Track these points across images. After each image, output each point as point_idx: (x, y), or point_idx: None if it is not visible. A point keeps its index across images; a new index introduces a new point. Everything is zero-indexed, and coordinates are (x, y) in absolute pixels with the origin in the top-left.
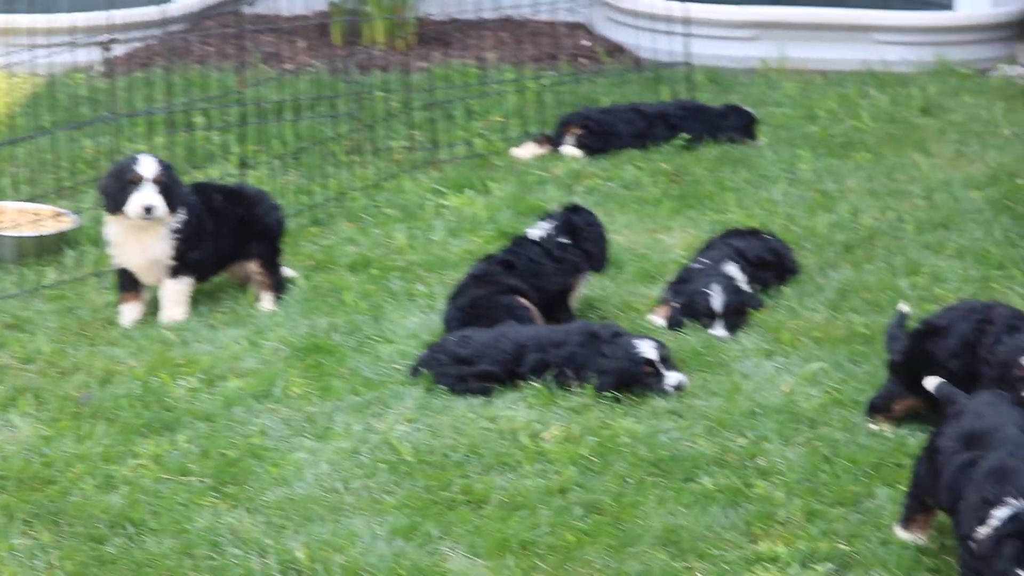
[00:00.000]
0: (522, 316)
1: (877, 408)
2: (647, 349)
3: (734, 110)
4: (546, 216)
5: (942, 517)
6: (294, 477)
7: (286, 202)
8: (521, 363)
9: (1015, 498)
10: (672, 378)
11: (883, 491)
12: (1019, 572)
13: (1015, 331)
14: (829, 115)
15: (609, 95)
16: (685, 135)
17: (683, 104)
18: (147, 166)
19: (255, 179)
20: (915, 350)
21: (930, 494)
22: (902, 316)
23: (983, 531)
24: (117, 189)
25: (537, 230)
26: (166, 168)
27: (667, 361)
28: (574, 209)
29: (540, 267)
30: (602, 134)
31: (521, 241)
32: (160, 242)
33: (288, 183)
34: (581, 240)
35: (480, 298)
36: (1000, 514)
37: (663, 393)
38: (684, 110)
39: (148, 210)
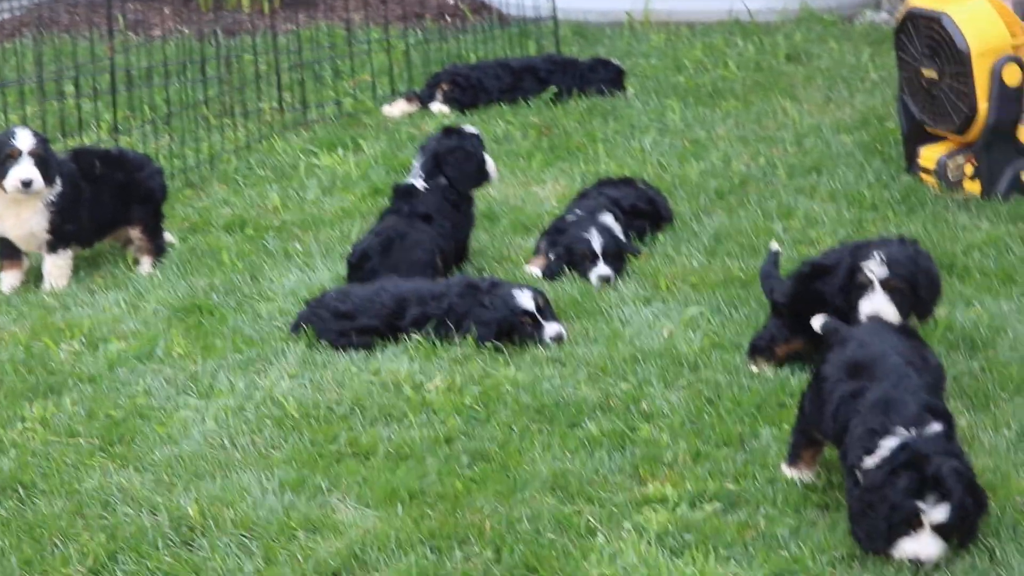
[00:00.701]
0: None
1: (759, 350)
2: (525, 300)
3: (602, 63)
4: (420, 149)
5: (828, 454)
6: (181, 435)
7: None
8: (402, 317)
9: (903, 427)
10: (551, 329)
11: (767, 431)
12: (917, 503)
13: (879, 246)
14: (696, 65)
15: (476, 52)
16: (553, 88)
17: (551, 58)
18: (24, 139)
19: (127, 145)
20: (802, 291)
21: (816, 426)
22: (775, 255)
23: (870, 461)
24: None
25: (414, 175)
26: (42, 141)
27: (545, 311)
28: (445, 133)
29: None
30: (470, 89)
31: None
32: (36, 215)
33: (160, 148)
34: (444, 167)
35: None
36: (888, 444)
37: (542, 343)
38: (552, 64)
39: (26, 184)
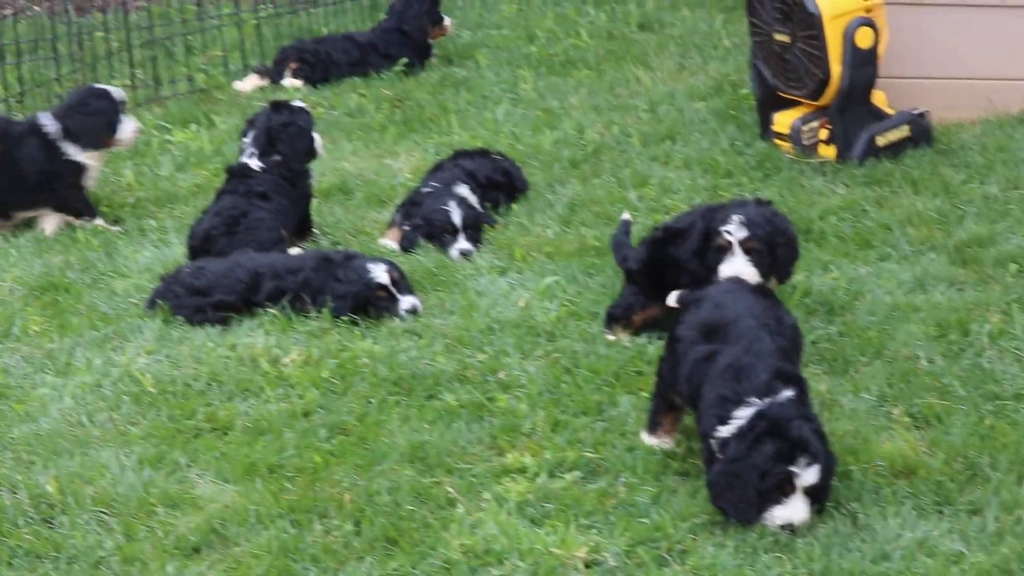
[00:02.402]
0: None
1: (616, 318)
2: (379, 273)
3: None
4: (248, 125)
5: (688, 421)
6: (39, 413)
7: None
8: (257, 291)
9: (756, 396)
10: (406, 302)
11: (626, 399)
12: (789, 468)
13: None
14: (548, 34)
15: (328, 25)
16: (404, 60)
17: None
18: None
19: None
20: (656, 256)
21: (673, 388)
22: (626, 223)
23: (725, 430)
24: None
25: (246, 153)
26: None
27: (400, 284)
28: (275, 108)
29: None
30: (319, 65)
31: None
32: None
33: None
34: (277, 144)
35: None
36: (742, 413)
37: (398, 316)
38: (390, 35)
39: None
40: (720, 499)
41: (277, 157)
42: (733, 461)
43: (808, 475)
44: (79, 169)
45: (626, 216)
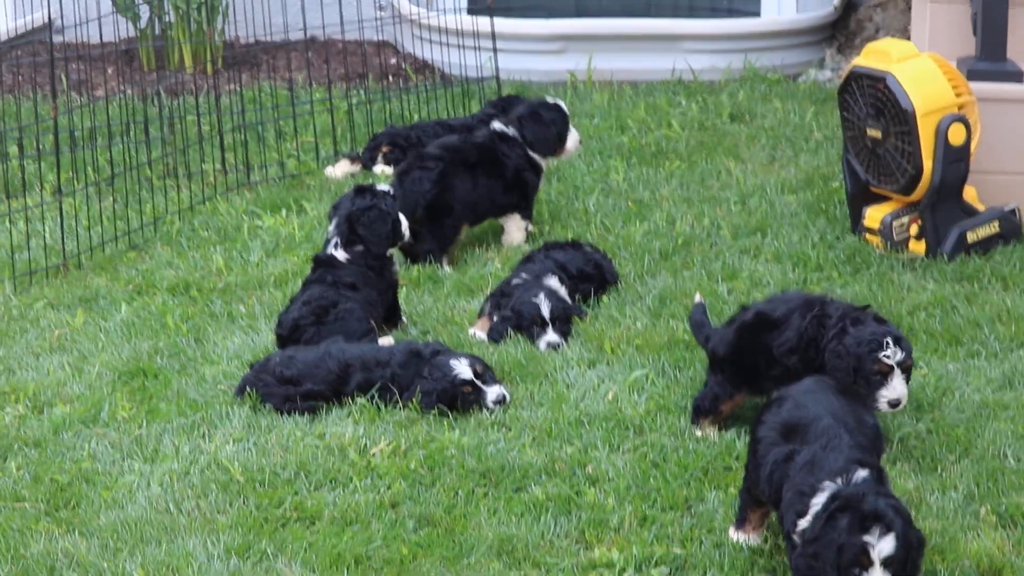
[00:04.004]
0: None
1: (703, 411)
2: (463, 369)
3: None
4: (333, 210)
5: (775, 518)
6: (126, 500)
7: (103, 229)
8: (347, 383)
9: (829, 480)
10: (492, 393)
11: (713, 494)
12: (864, 538)
13: (859, 323)
14: (639, 124)
15: (419, 112)
16: None
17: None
18: None
19: (69, 206)
20: (745, 343)
21: (759, 488)
22: (701, 306)
23: (803, 522)
24: None
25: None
26: None
27: (485, 376)
28: (358, 192)
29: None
30: (411, 150)
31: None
32: None
33: (104, 209)
34: (359, 228)
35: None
36: (818, 500)
37: (486, 408)
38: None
39: None
40: None
41: (360, 248)
42: (810, 543)
43: (884, 545)
44: (540, 173)
45: (699, 298)
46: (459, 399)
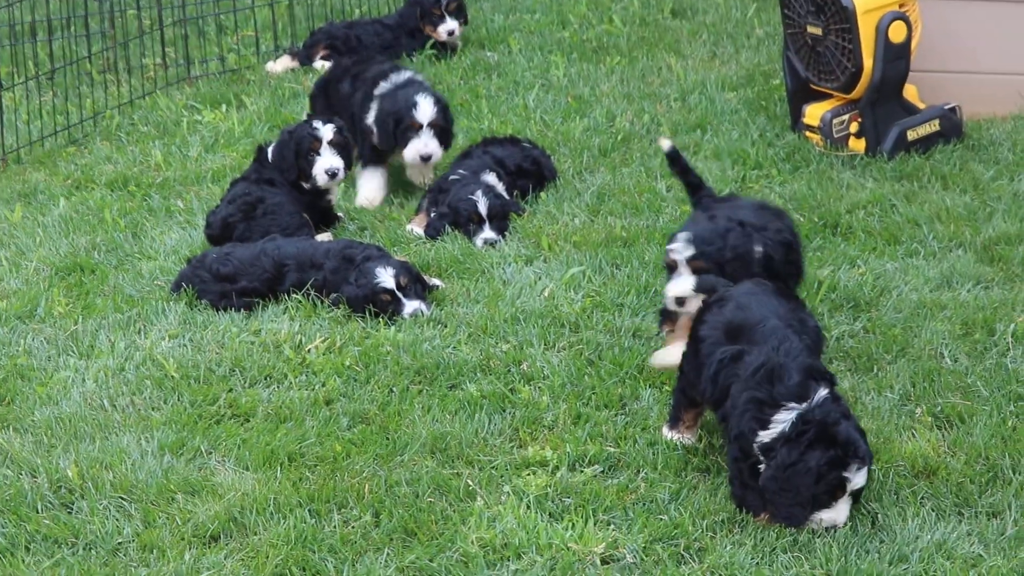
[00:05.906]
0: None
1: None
2: (386, 278)
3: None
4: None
5: (709, 416)
6: (61, 396)
7: (42, 123)
8: (281, 282)
9: (793, 400)
10: (409, 307)
11: (648, 393)
12: (843, 474)
13: None
14: (581, 20)
15: (359, 6)
16: (431, 43)
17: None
18: None
19: (10, 100)
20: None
21: (695, 388)
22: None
23: (766, 435)
24: None
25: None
26: None
27: (408, 288)
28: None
29: None
30: (349, 50)
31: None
32: None
33: (44, 104)
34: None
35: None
36: (781, 417)
37: (401, 319)
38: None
39: None
40: (772, 504)
41: None
42: (786, 467)
43: (858, 479)
44: None
45: (666, 144)
46: (378, 306)
